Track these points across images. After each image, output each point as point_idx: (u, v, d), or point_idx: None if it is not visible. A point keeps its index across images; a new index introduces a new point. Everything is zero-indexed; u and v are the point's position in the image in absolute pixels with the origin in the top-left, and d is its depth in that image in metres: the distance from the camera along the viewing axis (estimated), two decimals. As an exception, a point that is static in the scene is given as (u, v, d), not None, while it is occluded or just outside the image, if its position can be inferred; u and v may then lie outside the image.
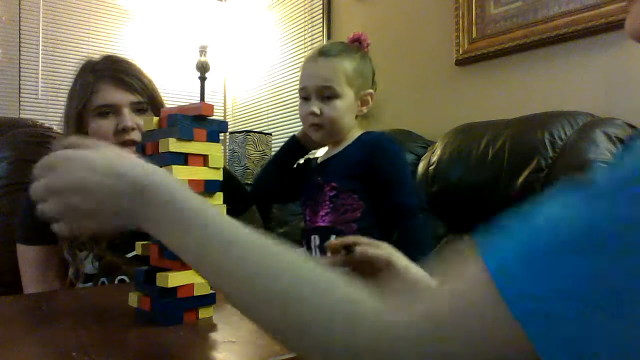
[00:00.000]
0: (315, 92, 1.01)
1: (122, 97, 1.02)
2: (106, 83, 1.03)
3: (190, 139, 0.60)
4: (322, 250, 0.98)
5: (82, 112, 1.03)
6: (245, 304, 0.40)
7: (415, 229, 0.98)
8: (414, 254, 0.79)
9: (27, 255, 1.07)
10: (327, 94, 1.00)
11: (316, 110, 1.00)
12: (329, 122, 1.02)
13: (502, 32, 1.55)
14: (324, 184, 1.03)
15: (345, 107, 1.02)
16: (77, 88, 1.05)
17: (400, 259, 0.61)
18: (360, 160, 1.00)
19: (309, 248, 1.03)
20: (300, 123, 1.11)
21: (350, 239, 0.63)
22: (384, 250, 0.62)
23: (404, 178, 1.02)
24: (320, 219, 1.02)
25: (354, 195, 0.99)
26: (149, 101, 1.06)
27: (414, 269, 0.61)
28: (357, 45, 1.08)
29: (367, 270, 0.62)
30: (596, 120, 1.18)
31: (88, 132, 1.03)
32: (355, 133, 1.07)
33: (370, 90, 1.06)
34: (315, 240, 1.02)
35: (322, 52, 1.03)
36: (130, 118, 1.02)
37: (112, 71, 1.04)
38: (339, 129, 1.04)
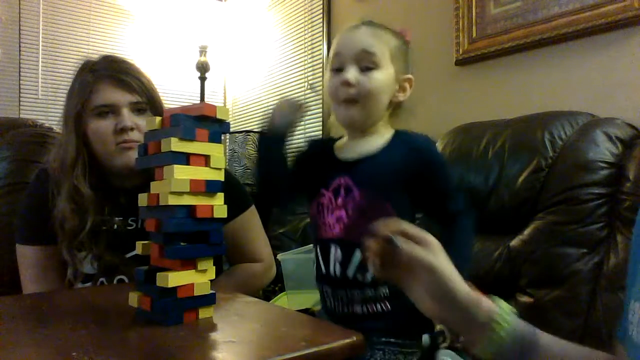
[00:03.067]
0: (353, 59, 0.84)
1: (121, 97, 1.02)
2: (105, 83, 1.03)
3: (192, 139, 0.60)
4: (343, 264, 0.85)
5: (81, 112, 1.03)
6: None
7: (463, 230, 0.88)
8: (460, 253, 0.78)
9: (27, 256, 1.07)
10: (367, 64, 0.84)
11: (351, 78, 0.82)
12: (365, 96, 0.83)
13: (502, 32, 1.55)
14: (354, 189, 0.86)
15: (385, 82, 0.85)
16: (76, 88, 1.05)
17: (445, 272, 0.56)
18: (408, 168, 0.86)
19: (325, 258, 0.88)
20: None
21: (397, 227, 0.57)
22: (431, 254, 0.56)
23: (454, 184, 0.91)
24: (343, 230, 0.86)
25: (388, 204, 0.84)
26: (148, 101, 1.06)
27: (460, 288, 0.56)
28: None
29: (403, 266, 0.58)
30: (596, 120, 1.19)
31: (87, 132, 1.04)
32: (385, 128, 0.91)
33: (410, 76, 0.90)
34: (336, 252, 0.86)
35: (366, 22, 0.89)
36: (129, 118, 1.02)
37: (111, 71, 1.04)
38: (375, 109, 0.86)
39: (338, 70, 0.86)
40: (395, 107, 0.91)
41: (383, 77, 0.85)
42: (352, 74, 0.83)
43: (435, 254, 0.56)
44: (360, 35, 0.87)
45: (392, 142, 0.89)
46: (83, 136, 1.04)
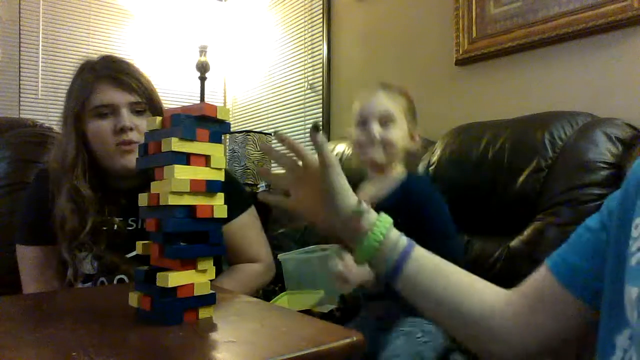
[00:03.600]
0: (376, 118, 1.08)
1: (120, 98, 1.02)
2: (105, 83, 1.03)
3: (192, 139, 0.60)
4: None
5: (80, 112, 1.02)
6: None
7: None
8: None
9: (27, 256, 1.07)
10: (386, 120, 1.08)
11: (376, 133, 1.07)
12: (388, 144, 1.07)
13: (502, 32, 1.55)
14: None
15: (400, 134, 1.09)
16: (75, 88, 1.05)
17: (332, 175, 0.62)
18: (402, 211, 0.96)
19: None
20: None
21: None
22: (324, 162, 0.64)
23: (446, 226, 1.02)
24: None
25: None
26: (147, 102, 1.06)
27: (346, 194, 0.63)
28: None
29: (306, 176, 0.65)
30: (596, 121, 1.18)
31: (86, 132, 1.03)
32: (398, 170, 1.11)
33: (418, 129, 1.14)
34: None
35: (382, 86, 1.13)
36: (128, 118, 1.02)
37: (111, 71, 1.04)
38: (395, 153, 1.09)
39: (362, 124, 1.10)
40: (406, 153, 1.12)
41: (398, 130, 1.09)
42: (376, 129, 1.07)
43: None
44: (380, 99, 1.10)
45: (397, 187, 1.08)
46: (82, 136, 1.03)
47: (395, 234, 0.64)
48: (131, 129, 1.02)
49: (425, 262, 0.63)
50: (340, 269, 0.91)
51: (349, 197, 0.63)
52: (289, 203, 0.68)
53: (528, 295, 0.60)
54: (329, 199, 0.63)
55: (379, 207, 0.96)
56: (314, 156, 0.63)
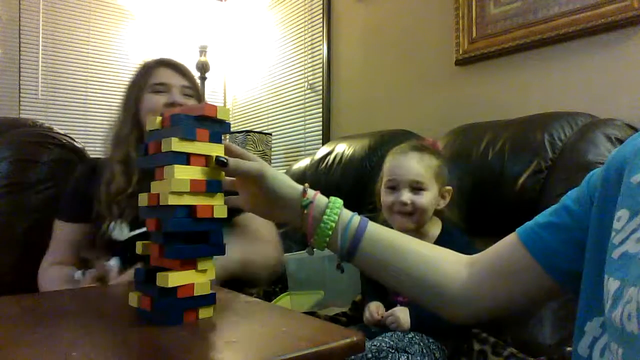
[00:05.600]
0: (406, 184, 1.07)
1: (175, 79, 1.20)
2: (163, 67, 1.22)
3: (192, 139, 0.60)
4: None
5: (139, 93, 1.18)
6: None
7: None
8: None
9: (62, 230, 1.20)
10: (417, 187, 1.07)
11: (407, 200, 1.06)
12: (418, 211, 1.07)
13: (502, 32, 1.55)
14: (395, 294, 1.05)
15: (431, 198, 1.08)
16: (137, 76, 1.22)
17: (270, 174, 0.63)
18: None
19: None
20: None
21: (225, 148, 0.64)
22: (256, 163, 0.64)
23: None
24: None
25: None
26: (194, 89, 1.23)
27: (290, 185, 0.64)
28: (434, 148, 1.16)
29: (244, 184, 0.66)
30: (596, 122, 1.18)
31: (140, 110, 1.18)
32: (433, 227, 1.12)
33: (450, 187, 1.13)
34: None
35: (413, 147, 1.12)
36: (179, 96, 1.18)
37: (169, 59, 1.24)
38: (424, 218, 1.09)
39: (392, 188, 1.09)
40: (437, 211, 1.12)
41: (430, 195, 1.08)
42: (406, 196, 1.07)
43: (260, 162, 0.64)
44: (410, 162, 1.08)
45: (437, 241, 1.07)
46: (138, 116, 1.18)
47: (347, 214, 0.64)
48: (180, 105, 1.15)
49: (381, 238, 0.64)
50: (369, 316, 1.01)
51: (292, 191, 0.64)
52: (238, 203, 0.69)
53: (494, 263, 0.61)
54: (274, 199, 0.64)
55: None
56: (240, 165, 0.63)
